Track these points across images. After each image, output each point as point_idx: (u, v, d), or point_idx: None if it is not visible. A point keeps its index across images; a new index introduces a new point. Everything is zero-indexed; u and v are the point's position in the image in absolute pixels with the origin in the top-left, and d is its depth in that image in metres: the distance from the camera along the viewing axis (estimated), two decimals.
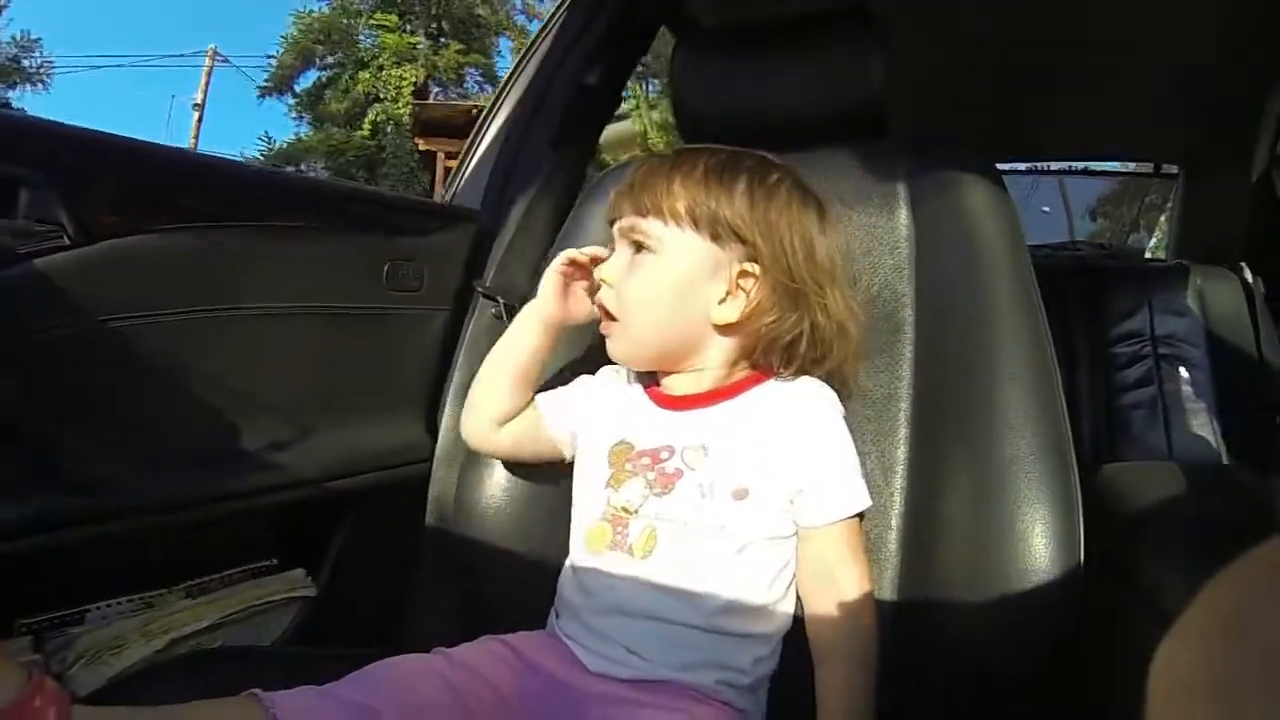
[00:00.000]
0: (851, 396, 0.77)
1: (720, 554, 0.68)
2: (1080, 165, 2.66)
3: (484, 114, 1.25)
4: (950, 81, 1.71)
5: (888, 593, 0.73)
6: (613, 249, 0.77)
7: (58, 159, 0.72)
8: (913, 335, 0.80)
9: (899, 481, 0.76)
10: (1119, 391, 1.86)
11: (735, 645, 0.68)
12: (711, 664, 0.67)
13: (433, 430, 1.00)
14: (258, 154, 12.68)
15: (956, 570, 0.68)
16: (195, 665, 0.74)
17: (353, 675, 0.64)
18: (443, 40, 12.76)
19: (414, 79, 12.06)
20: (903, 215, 0.84)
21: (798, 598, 0.71)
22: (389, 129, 11.90)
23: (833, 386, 0.75)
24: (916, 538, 0.73)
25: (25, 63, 12.43)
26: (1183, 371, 1.84)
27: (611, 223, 0.76)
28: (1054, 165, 2.61)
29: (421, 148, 11.60)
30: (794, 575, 0.71)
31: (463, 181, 1.19)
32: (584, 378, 0.83)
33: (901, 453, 0.76)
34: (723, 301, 0.72)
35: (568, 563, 0.75)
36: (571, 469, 0.79)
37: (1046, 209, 3.02)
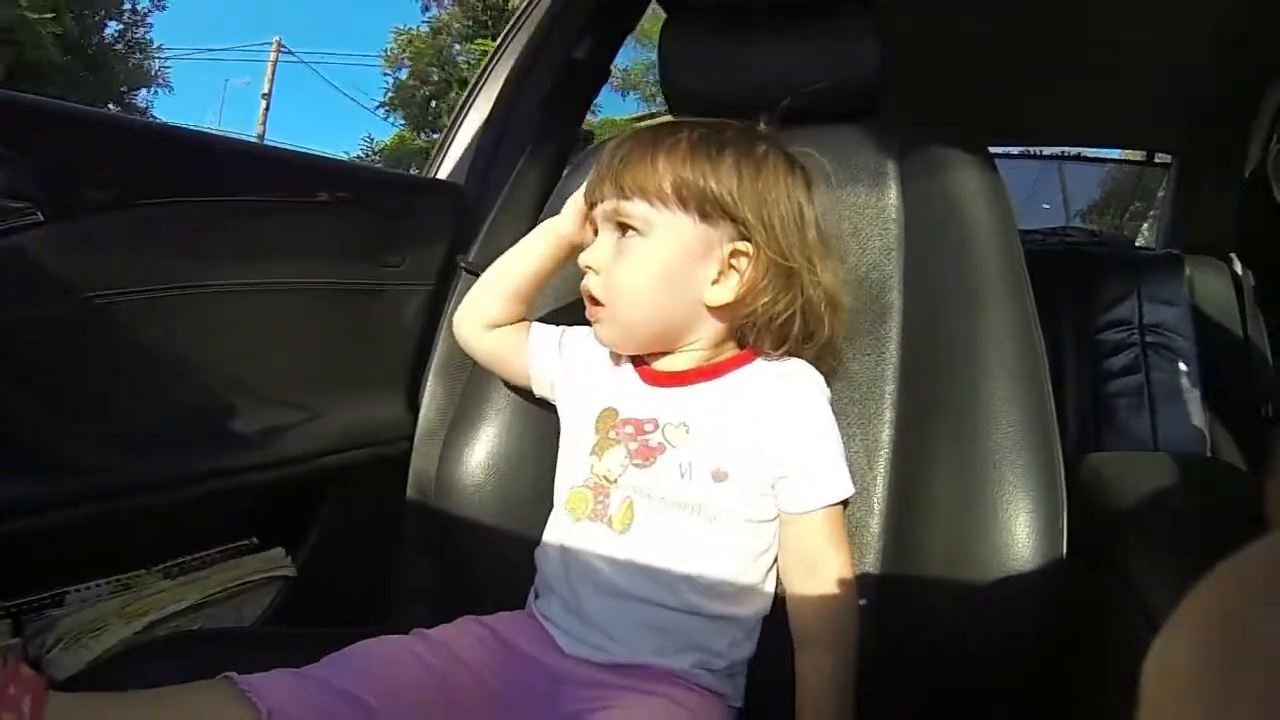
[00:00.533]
0: (840, 377, 0.77)
1: (697, 534, 0.67)
2: (1075, 151, 2.66)
3: (469, 87, 1.23)
4: (947, 65, 1.71)
5: (870, 574, 0.73)
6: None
7: (31, 134, 0.70)
8: (900, 318, 0.79)
9: (883, 464, 0.75)
10: (1105, 379, 1.86)
11: (711, 627, 0.67)
12: (687, 647, 0.66)
13: (414, 407, 0.99)
14: (359, 153, 14.39)
15: (938, 553, 0.68)
16: (174, 648, 0.73)
17: (330, 657, 0.64)
18: None
19: None
20: (892, 195, 0.83)
21: (778, 582, 0.71)
22: None
23: (822, 367, 0.74)
24: (899, 520, 0.73)
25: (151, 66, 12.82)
26: (1172, 361, 1.85)
27: (592, 206, 0.74)
28: (1047, 150, 2.60)
29: None
30: (774, 559, 0.71)
31: (447, 156, 1.17)
32: (581, 330, 0.80)
33: (886, 435, 0.76)
34: (716, 283, 0.70)
35: (547, 534, 0.75)
36: (555, 440, 0.78)
37: (1047, 206, 3.03)
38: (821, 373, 0.74)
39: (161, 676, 0.59)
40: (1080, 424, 1.84)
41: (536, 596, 0.75)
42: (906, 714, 0.70)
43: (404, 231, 1.01)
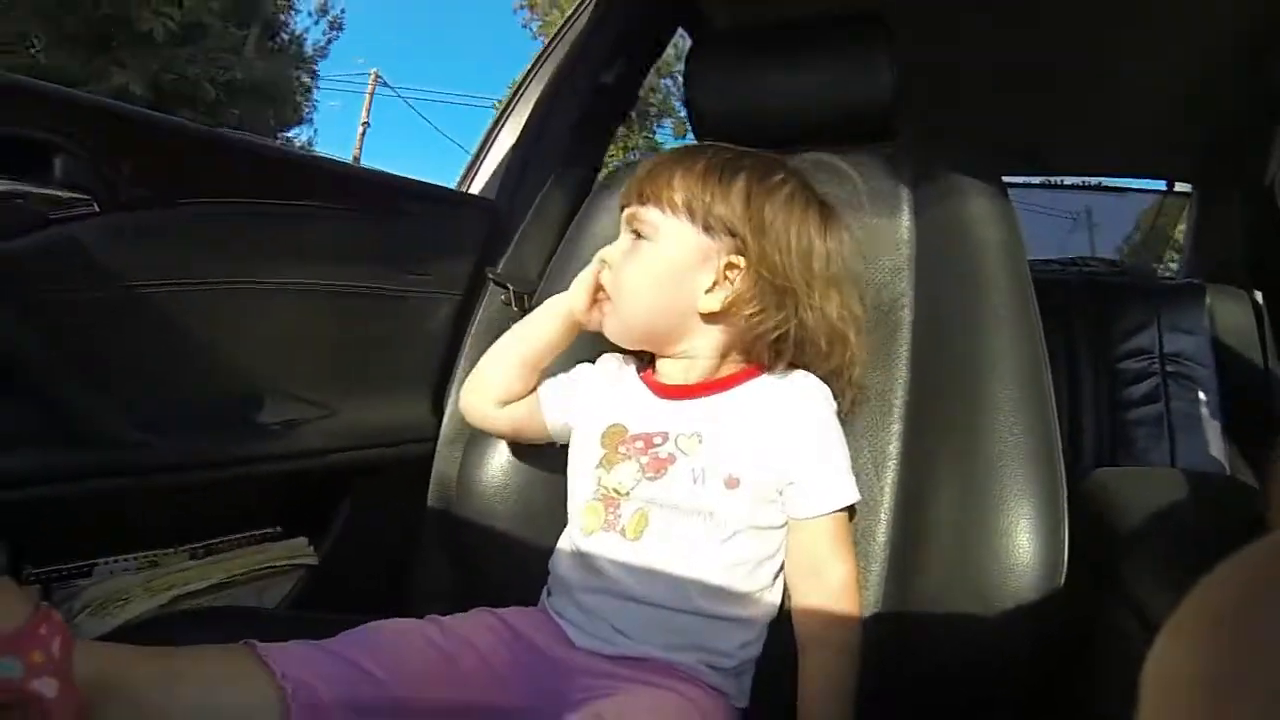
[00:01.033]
0: (853, 402, 0.79)
1: (708, 540, 0.70)
2: (1095, 181, 2.66)
3: (503, 107, 1.28)
4: (961, 94, 1.73)
5: (875, 584, 0.75)
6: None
7: (92, 130, 0.74)
8: (909, 334, 0.81)
9: (890, 475, 0.77)
10: (1125, 407, 1.85)
11: (720, 629, 0.69)
12: (695, 646, 0.69)
13: (438, 411, 1.03)
14: None
15: (942, 564, 0.69)
16: (197, 619, 0.76)
17: (346, 633, 0.67)
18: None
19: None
20: (905, 218, 0.86)
21: (784, 587, 0.73)
22: None
23: (834, 384, 0.77)
24: (905, 531, 0.75)
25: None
26: (1192, 391, 1.84)
27: (622, 209, 0.79)
28: (1069, 180, 2.60)
29: None
30: (781, 565, 0.73)
31: (479, 171, 1.21)
32: (584, 365, 0.85)
33: (894, 448, 0.78)
34: (710, 291, 0.74)
35: (562, 541, 0.77)
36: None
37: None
38: (836, 394, 0.76)
39: (184, 643, 0.62)
40: (1098, 452, 1.83)
41: (550, 594, 0.77)
42: None
43: (437, 242, 1.05)
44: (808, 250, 0.74)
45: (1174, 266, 2.65)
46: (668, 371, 0.79)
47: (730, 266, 0.73)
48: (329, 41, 11.63)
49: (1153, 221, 2.82)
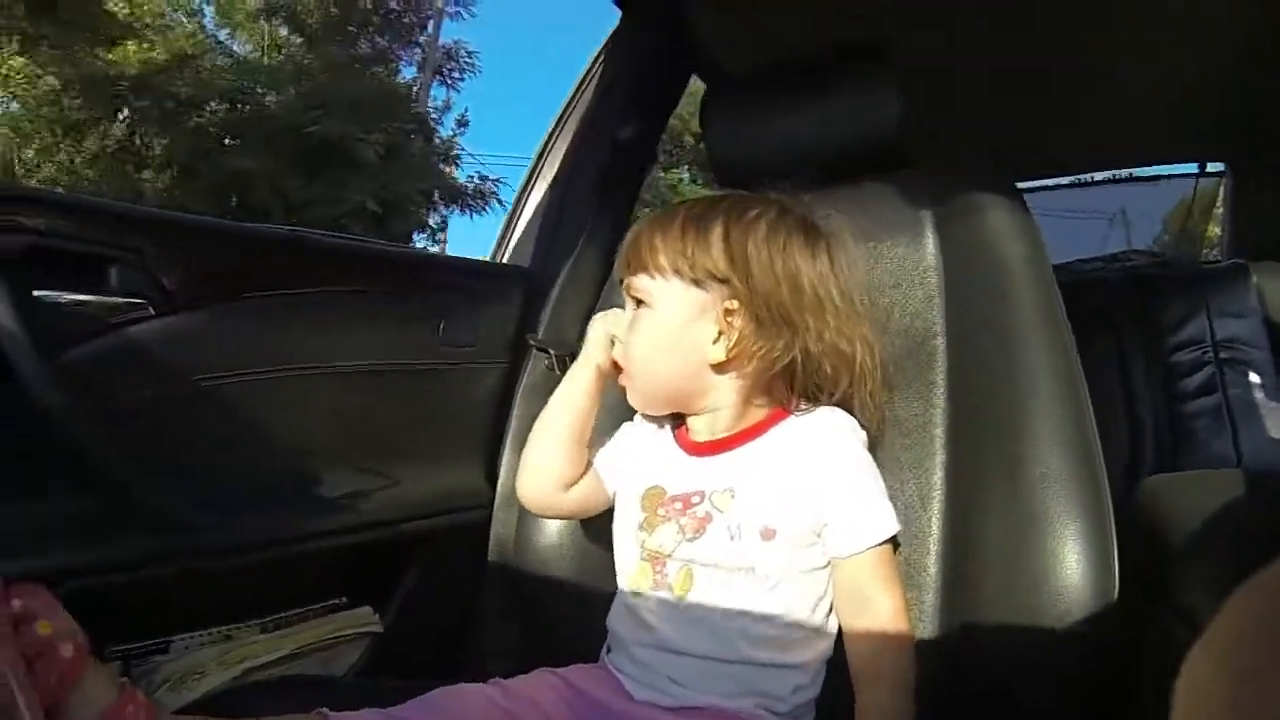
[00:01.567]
0: (881, 424, 0.79)
1: (753, 592, 0.71)
2: (1125, 173, 2.61)
3: (528, 173, 1.31)
4: (979, 103, 1.72)
5: (928, 617, 0.75)
6: None
7: (142, 240, 0.81)
8: (944, 363, 0.81)
9: (936, 507, 0.77)
10: (1181, 400, 1.80)
11: (773, 675, 0.70)
12: (750, 692, 0.69)
13: (492, 477, 1.05)
14: None
15: (992, 591, 0.69)
16: (272, 690, 0.80)
17: (413, 701, 0.69)
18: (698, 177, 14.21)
19: None
20: (930, 245, 0.86)
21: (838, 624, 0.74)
22: None
23: (861, 415, 0.77)
24: (955, 561, 0.75)
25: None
26: (1250, 376, 1.79)
27: (620, 282, 0.81)
28: (1099, 176, 2.57)
29: None
30: (831, 605, 0.73)
31: (512, 240, 1.25)
32: (625, 426, 0.86)
33: (938, 479, 0.78)
34: (715, 342, 0.74)
35: (616, 600, 0.79)
36: None
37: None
38: (863, 423, 0.77)
39: (260, 713, 0.65)
40: (1158, 449, 1.78)
41: (609, 650, 0.79)
42: None
43: (477, 313, 1.09)
44: (795, 274, 0.74)
45: (1214, 254, 2.59)
46: (697, 428, 0.80)
47: (728, 312, 0.74)
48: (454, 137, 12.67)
49: (1182, 224, 2.77)
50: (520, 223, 1.25)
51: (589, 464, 0.84)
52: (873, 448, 0.78)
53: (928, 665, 0.70)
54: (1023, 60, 1.56)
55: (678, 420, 0.83)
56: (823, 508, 0.72)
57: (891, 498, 0.76)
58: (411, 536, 1.02)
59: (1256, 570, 0.23)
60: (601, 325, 0.84)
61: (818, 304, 0.75)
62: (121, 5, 9.69)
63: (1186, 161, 2.29)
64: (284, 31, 11.37)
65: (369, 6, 11.85)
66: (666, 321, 0.76)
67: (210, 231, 0.91)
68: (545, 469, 0.83)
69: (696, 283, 0.75)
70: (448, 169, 11.92)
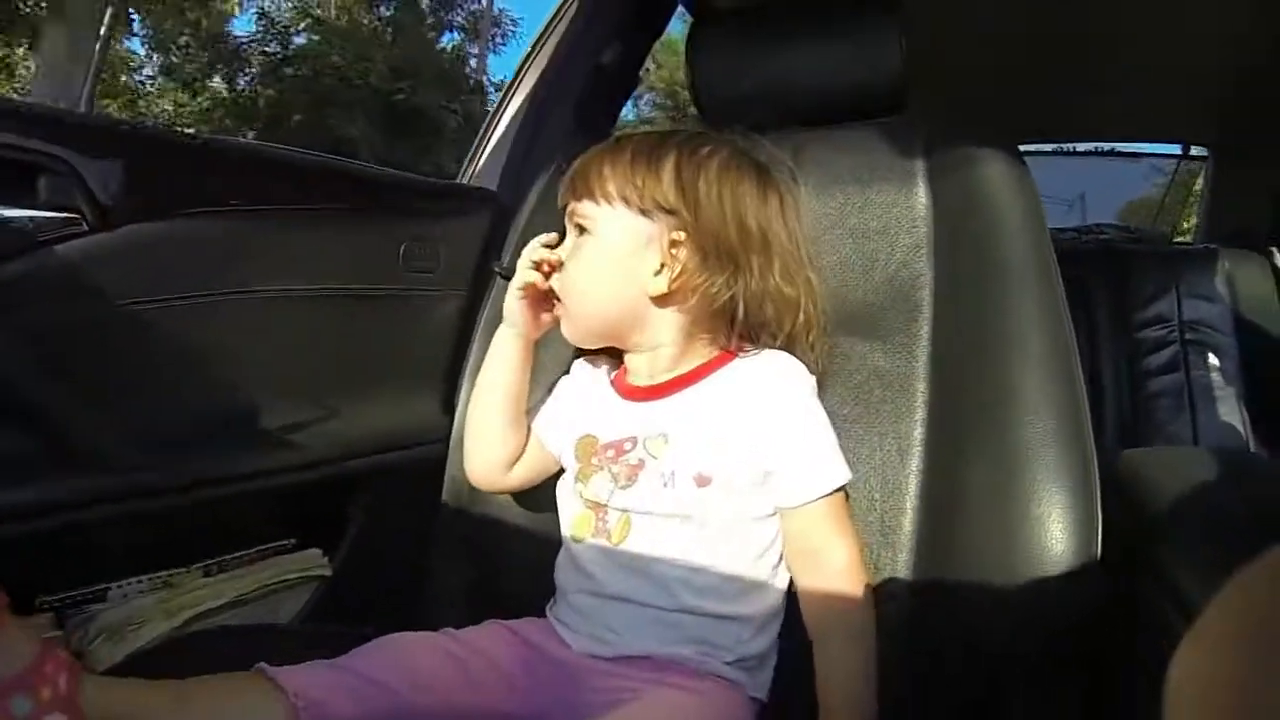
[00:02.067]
0: (871, 375, 0.78)
1: (688, 539, 0.69)
2: (1108, 147, 2.62)
3: (501, 95, 1.24)
4: (975, 62, 1.69)
5: (903, 573, 0.73)
6: None
7: (75, 146, 0.72)
8: (930, 315, 0.79)
9: (915, 462, 0.75)
10: (1145, 377, 1.83)
11: (716, 626, 0.69)
12: (688, 640, 0.68)
13: (449, 411, 1.01)
14: None
15: (972, 551, 0.68)
16: (209, 642, 0.76)
17: (361, 649, 0.67)
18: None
19: None
20: (921, 193, 0.83)
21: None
22: None
23: (809, 360, 0.75)
24: (932, 518, 0.73)
25: None
26: (1211, 358, 1.82)
27: (562, 209, 0.79)
28: (1081, 146, 2.58)
29: None
30: (780, 556, 0.72)
31: (480, 162, 1.18)
32: (562, 380, 0.85)
33: (919, 433, 0.76)
34: (658, 273, 0.73)
35: (561, 550, 0.78)
36: None
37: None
38: (812, 366, 0.75)
39: (198, 668, 0.62)
40: (1119, 423, 1.81)
41: (554, 603, 0.78)
42: (939, 710, 0.69)
43: (439, 237, 1.03)
44: (743, 214, 0.73)
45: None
46: (636, 369, 0.78)
47: (674, 244, 0.73)
48: None
49: (1153, 222, 2.82)
50: (490, 144, 1.18)
51: (529, 433, 0.83)
52: (839, 398, 0.77)
53: (902, 623, 0.69)
54: (1027, 24, 1.53)
55: (615, 365, 0.81)
56: (768, 453, 0.70)
57: (870, 452, 0.75)
58: (364, 473, 0.97)
59: (1243, 552, 0.23)
60: (518, 294, 0.80)
61: (764, 244, 0.74)
62: None
63: (1173, 141, 2.30)
64: None
65: None
66: (609, 249, 0.74)
67: (152, 140, 0.83)
68: (485, 449, 0.83)
69: (644, 212, 0.73)
70: None
